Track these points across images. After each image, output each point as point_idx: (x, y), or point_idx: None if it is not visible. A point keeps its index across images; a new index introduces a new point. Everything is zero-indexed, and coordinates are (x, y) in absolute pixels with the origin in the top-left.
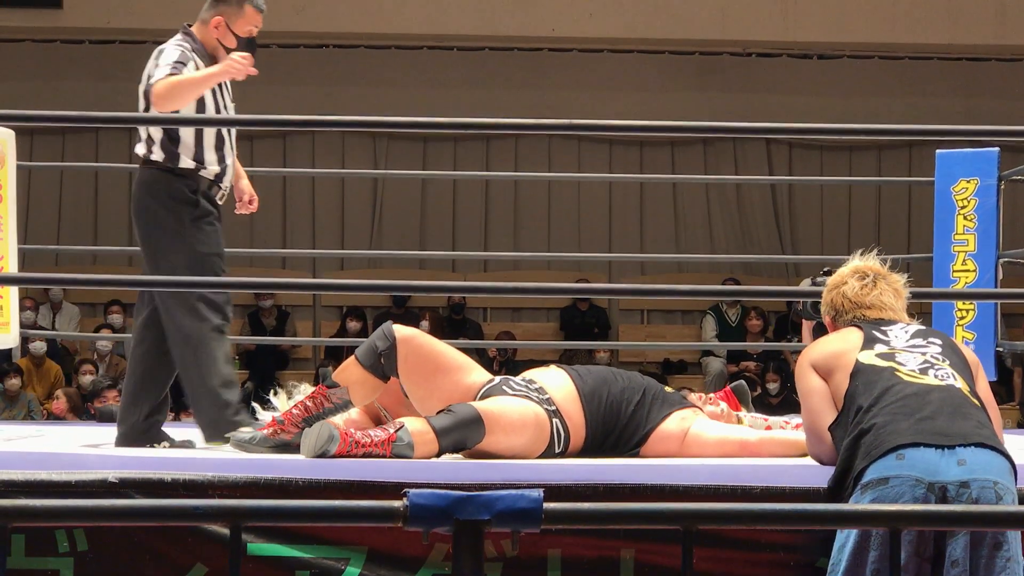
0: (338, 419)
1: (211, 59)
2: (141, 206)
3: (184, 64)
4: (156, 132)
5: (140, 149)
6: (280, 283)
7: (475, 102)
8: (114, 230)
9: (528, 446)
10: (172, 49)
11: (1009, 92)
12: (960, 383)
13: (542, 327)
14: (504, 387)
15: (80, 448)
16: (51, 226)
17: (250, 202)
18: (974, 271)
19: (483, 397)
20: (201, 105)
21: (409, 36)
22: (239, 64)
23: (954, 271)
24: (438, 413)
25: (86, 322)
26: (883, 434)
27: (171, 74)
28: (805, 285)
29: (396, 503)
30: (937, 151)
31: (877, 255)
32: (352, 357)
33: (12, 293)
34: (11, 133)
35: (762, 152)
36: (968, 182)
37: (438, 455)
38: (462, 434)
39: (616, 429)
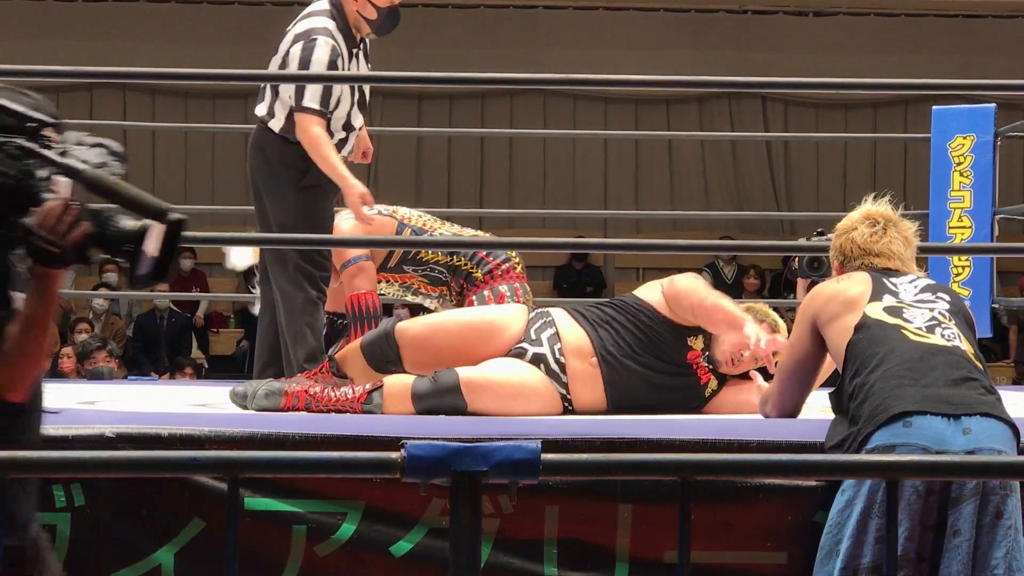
0: None
1: (351, 32)
2: (255, 165)
3: (335, 64)
4: (283, 104)
5: (260, 110)
6: (273, 238)
7: (470, 60)
8: None
9: (534, 413)
10: (323, 44)
11: (1006, 49)
12: (965, 345)
13: (537, 285)
14: (539, 362)
15: (76, 404)
16: None
17: (364, 154)
18: (970, 227)
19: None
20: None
21: None
22: (360, 211)
23: (950, 227)
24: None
25: (81, 280)
26: (889, 399)
27: (320, 105)
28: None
29: (394, 454)
30: (933, 107)
31: (889, 201)
32: (357, 347)
33: None
34: None
35: (758, 110)
36: (964, 138)
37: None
38: (437, 401)
39: None
